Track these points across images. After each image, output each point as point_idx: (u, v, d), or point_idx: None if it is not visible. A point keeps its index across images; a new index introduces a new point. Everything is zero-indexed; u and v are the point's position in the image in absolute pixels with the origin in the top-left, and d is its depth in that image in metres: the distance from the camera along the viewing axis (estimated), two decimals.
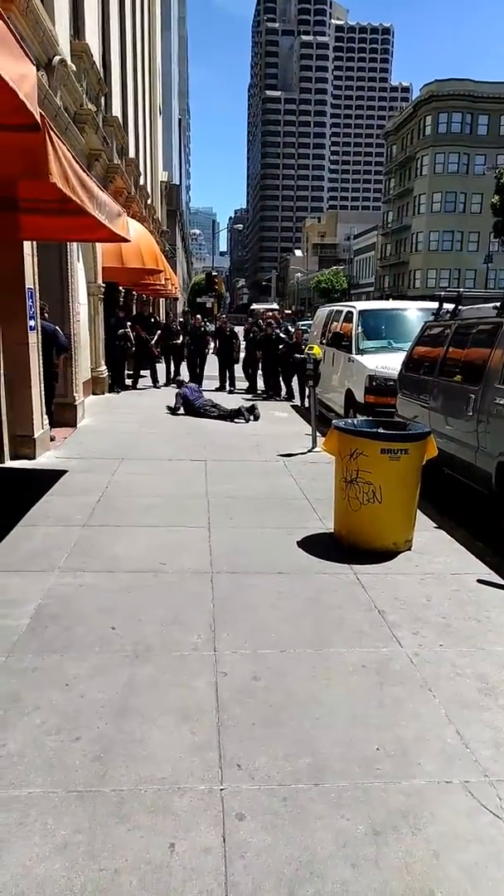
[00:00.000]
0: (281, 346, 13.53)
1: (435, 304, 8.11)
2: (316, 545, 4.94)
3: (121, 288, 16.74)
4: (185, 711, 2.81)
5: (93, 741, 2.60)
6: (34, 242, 7.43)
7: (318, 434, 8.68)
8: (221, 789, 2.38)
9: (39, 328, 7.75)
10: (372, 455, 4.68)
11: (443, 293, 7.60)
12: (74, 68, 9.77)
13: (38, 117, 3.25)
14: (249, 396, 14.02)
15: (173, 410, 11.14)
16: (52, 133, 3.57)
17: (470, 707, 2.94)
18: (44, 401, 7.91)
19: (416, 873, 2.07)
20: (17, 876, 1.98)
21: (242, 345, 15.56)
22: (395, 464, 4.68)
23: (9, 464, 7.08)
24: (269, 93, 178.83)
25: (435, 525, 5.56)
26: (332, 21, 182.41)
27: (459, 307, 6.79)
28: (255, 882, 2.00)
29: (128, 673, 3.10)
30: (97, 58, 12.35)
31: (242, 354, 15.26)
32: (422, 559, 4.75)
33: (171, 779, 2.41)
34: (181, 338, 15.88)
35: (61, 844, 2.09)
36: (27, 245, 7.17)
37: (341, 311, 11.07)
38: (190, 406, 11.07)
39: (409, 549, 4.90)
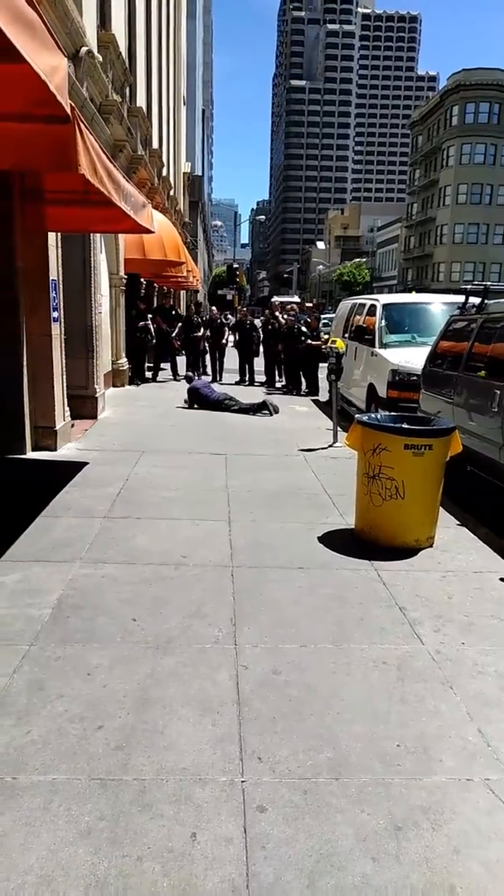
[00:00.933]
0: (303, 340, 13.46)
1: (460, 298, 8.02)
2: (337, 540, 4.93)
3: (142, 280, 16.78)
4: (207, 703, 2.84)
5: (115, 730, 2.63)
6: (58, 234, 7.47)
7: (339, 429, 8.65)
8: (242, 781, 2.39)
9: (62, 320, 7.81)
10: (395, 450, 4.65)
11: (469, 286, 7.52)
12: (101, 59, 9.79)
13: (68, 109, 3.26)
14: (269, 390, 14.02)
15: (189, 405, 11.12)
16: (81, 125, 3.58)
17: (492, 705, 2.93)
18: (65, 392, 7.97)
19: (437, 869, 2.07)
20: (42, 859, 2.01)
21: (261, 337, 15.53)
22: (419, 459, 4.65)
23: (30, 455, 7.16)
24: (294, 82, 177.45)
25: (458, 522, 5.51)
26: (359, 10, 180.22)
27: (486, 301, 6.70)
28: (276, 873, 2.02)
29: (149, 664, 3.13)
30: (123, 49, 12.34)
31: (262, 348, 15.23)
32: (444, 556, 4.72)
33: (192, 769, 2.44)
34: (202, 330, 15.90)
35: (85, 830, 2.13)
36: (51, 236, 7.21)
37: (364, 305, 10.99)
38: (204, 400, 11.02)
39: (431, 546, 4.87)
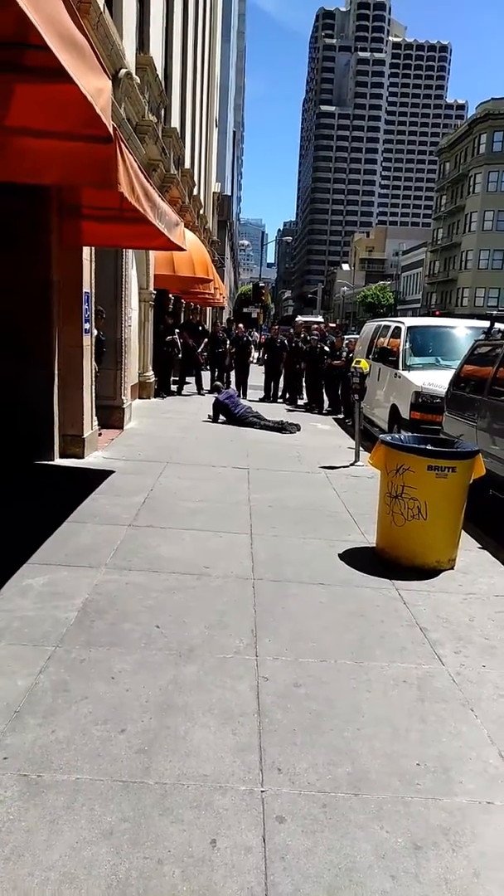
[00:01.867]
0: (325, 359, 13.54)
1: (484, 323, 8.03)
2: (358, 558, 4.93)
3: (171, 295, 17.03)
4: (228, 713, 2.86)
5: (137, 734, 2.66)
6: (92, 248, 7.65)
7: (361, 448, 8.66)
8: (262, 791, 2.41)
9: (93, 332, 7.96)
10: (418, 471, 4.66)
11: (495, 312, 7.54)
12: (139, 80, 10.06)
13: (111, 130, 3.38)
14: (291, 408, 14.08)
15: (213, 419, 11.22)
16: (122, 144, 3.70)
17: None
18: (94, 402, 8.10)
19: (457, 890, 2.06)
20: (65, 857, 2.04)
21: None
22: (442, 481, 4.66)
23: (58, 462, 7.27)
24: (324, 107, 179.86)
25: (479, 545, 5.49)
26: (390, 38, 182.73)
27: None
28: (294, 884, 2.03)
29: (172, 671, 3.16)
30: (160, 71, 12.67)
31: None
32: (465, 579, 4.70)
33: (213, 777, 2.45)
34: (226, 346, 16.05)
35: (107, 831, 2.16)
36: (86, 251, 7.38)
37: (389, 327, 11.04)
38: (229, 413, 11.11)
39: (452, 568, 4.86)
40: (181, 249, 7.21)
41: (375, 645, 3.59)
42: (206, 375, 16.08)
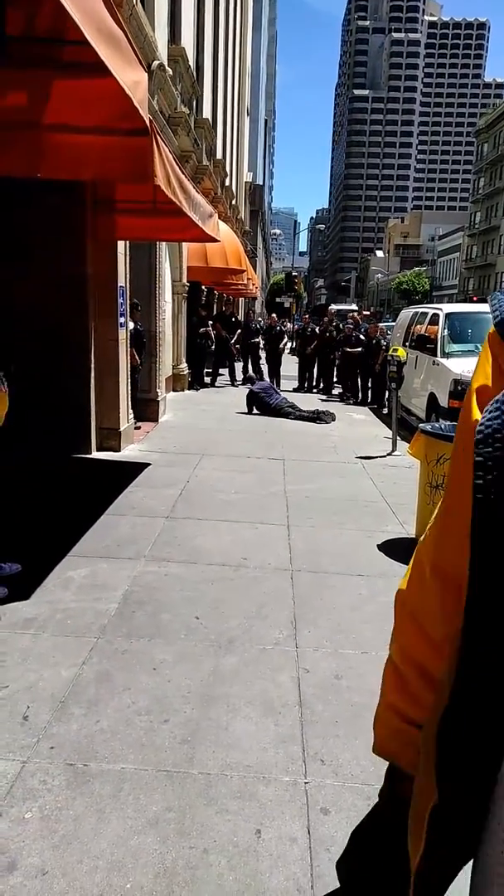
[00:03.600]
0: (360, 349, 13.39)
1: None
2: (397, 549, 4.88)
3: (203, 287, 17.05)
4: (269, 703, 2.86)
5: (181, 724, 2.68)
6: (127, 242, 7.70)
7: (398, 438, 8.56)
8: (306, 782, 2.41)
9: (129, 325, 8.03)
10: None
11: None
12: (171, 72, 10.04)
13: (147, 122, 3.38)
14: (325, 397, 13.98)
15: (248, 410, 11.20)
16: (158, 137, 3.70)
17: None
18: (129, 395, 8.18)
19: None
20: (113, 845, 2.08)
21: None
22: None
23: (95, 455, 7.37)
24: (357, 91, 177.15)
25: None
26: (425, 17, 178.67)
27: None
28: None
29: (212, 662, 3.18)
30: (192, 62, 12.62)
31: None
32: None
33: (256, 767, 2.46)
34: (259, 337, 16.02)
35: (153, 819, 2.18)
36: (120, 245, 7.43)
37: (426, 314, 10.86)
38: (263, 405, 11.08)
39: None
40: (215, 240, 7.21)
41: None
42: (238, 366, 16.08)
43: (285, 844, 2.12)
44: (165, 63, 9.70)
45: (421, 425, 5.14)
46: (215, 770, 2.44)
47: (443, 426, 5.35)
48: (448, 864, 0.70)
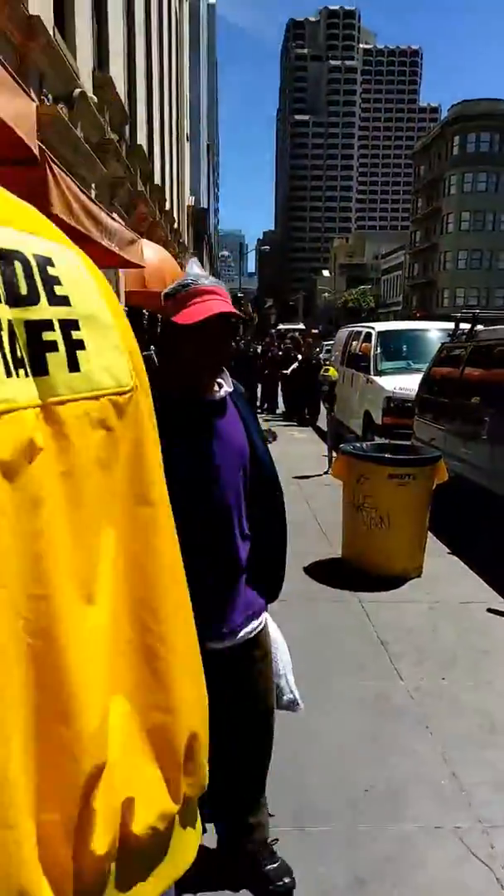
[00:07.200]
0: (294, 367, 13.56)
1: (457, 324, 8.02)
2: (323, 571, 4.86)
3: (145, 311, 16.99)
4: None
5: None
6: None
7: (333, 456, 8.61)
8: None
9: None
10: (379, 480, 4.61)
11: (459, 314, 7.54)
12: (96, 100, 10.04)
13: (36, 152, 3.33)
14: (268, 417, 14.04)
15: None
16: (52, 166, 3.64)
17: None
18: None
19: None
20: None
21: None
22: (403, 489, 4.60)
23: None
24: (298, 117, 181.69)
25: (448, 551, 5.43)
26: (361, 45, 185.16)
27: (475, 328, 6.70)
28: None
29: None
30: (121, 89, 12.67)
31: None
32: (432, 586, 4.64)
33: None
34: None
35: None
36: None
37: (360, 332, 11.03)
38: None
39: (419, 576, 4.79)
40: (139, 266, 7.16)
41: (336, 661, 3.51)
42: None
43: None
44: (90, 91, 9.70)
45: (342, 446, 5.17)
46: None
47: (363, 446, 5.40)
48: None
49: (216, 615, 1.76)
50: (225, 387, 1.82)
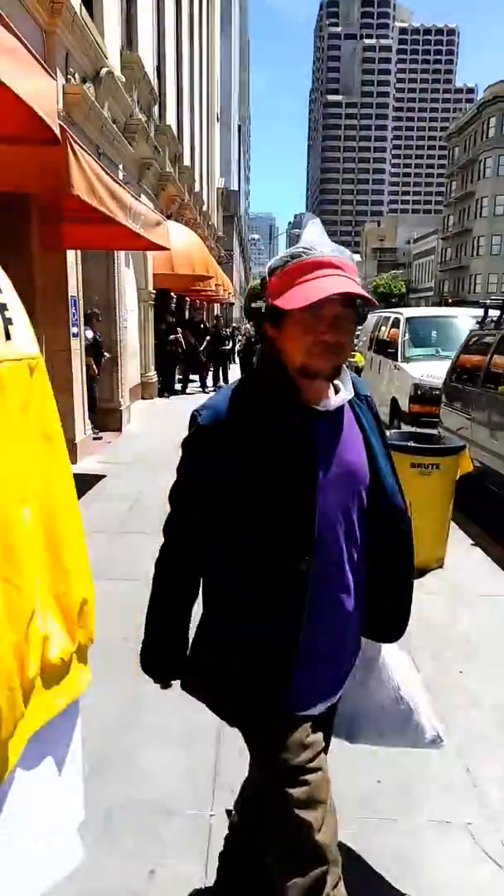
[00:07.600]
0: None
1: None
2: None
3: (173, 294, 16.96)
4: (189, 734, 2.77)
5: None
6: (78, 251, 7.58)
7: None
8: (211, 815, 2.32)
9: (83, 335, 7.91)
10: (401, 469, 4.49)
11: (488, 300, 7.34)
12: (124, 79, 9.97)
13: (57, 132, 3.29)
14: None
15: None
16: (73, 146, 3.61)
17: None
18: (86, 406, 8.06)
19: None
20: None
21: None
22: (426, 479, 4.52)
23: None
24: (331, 97, 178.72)
25: (472, 542, 5.34)
26: (396, 23, 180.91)
27: None
28: None
29: (132, 689, 3.07)
30: (150, 68, 12.56)
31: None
32: (453, 578, 4.56)
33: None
34: (229, 343, 15.97)
35: None
36: (70, 254, 7.32)
37: (389, 318, 10.85)
38: None
39: (441, 567, 4.72)
40: (165, 249, 7.11)
41: None
42: (210, 373, 16.00)
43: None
44: (118, 70, 9.63)
45: None
46: None
47: (388, 434, 5.30)
48: None
49: (321, 685, 1.51)
50: (343, 392, 1.44)
